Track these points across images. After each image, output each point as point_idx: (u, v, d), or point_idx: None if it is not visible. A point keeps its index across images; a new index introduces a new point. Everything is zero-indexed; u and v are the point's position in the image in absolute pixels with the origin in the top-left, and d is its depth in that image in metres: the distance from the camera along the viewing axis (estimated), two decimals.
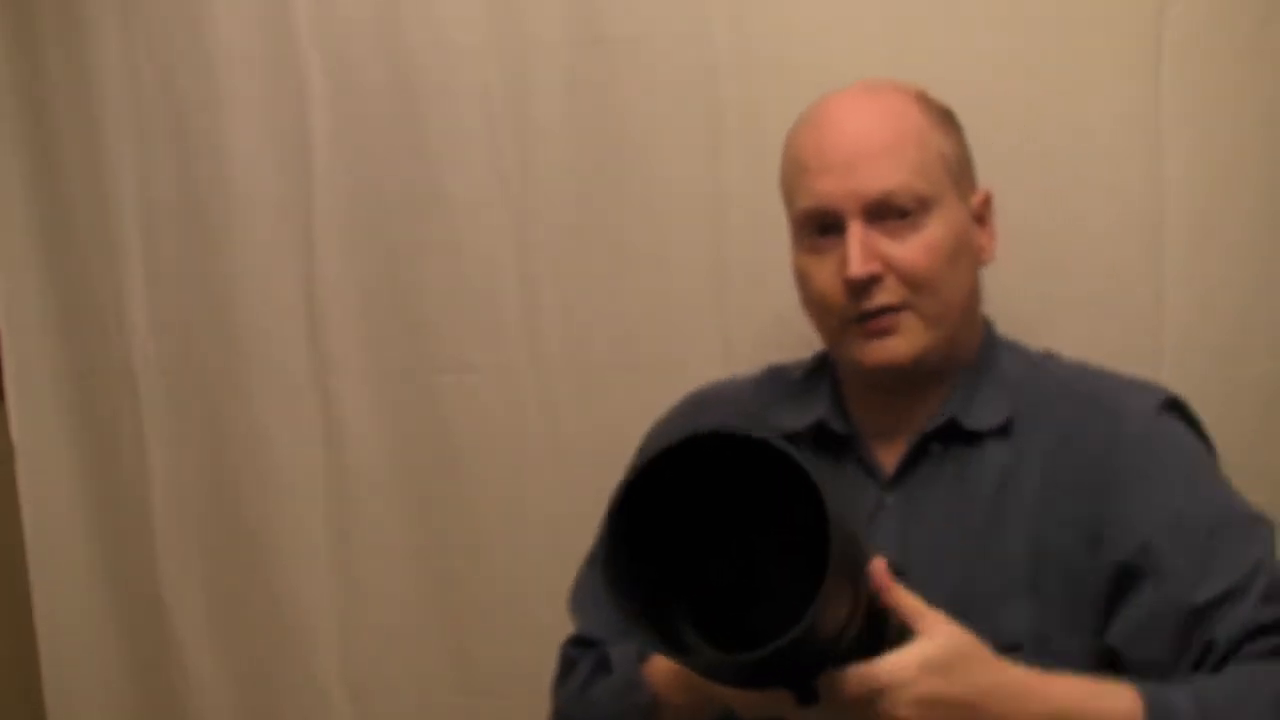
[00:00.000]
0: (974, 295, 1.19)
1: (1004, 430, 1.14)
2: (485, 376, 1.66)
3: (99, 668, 1.87)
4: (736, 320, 1.57)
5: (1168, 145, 1.42)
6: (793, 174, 1.18)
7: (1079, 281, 1.43)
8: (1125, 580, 1.07)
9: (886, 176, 1.11)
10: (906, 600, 0.93)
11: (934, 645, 0.92)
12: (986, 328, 1.23)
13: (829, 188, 1.13)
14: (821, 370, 1.25)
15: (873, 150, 1.12)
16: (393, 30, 1.65)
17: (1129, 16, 1.42)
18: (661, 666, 1.11)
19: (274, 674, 1.78)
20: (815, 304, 1.17)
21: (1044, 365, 1.21)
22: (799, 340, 1.50)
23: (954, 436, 1.16)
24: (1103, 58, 1.43)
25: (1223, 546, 1.05)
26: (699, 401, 1.33)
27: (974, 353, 1.20)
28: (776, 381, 1.29)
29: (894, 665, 0.90)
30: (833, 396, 1.22)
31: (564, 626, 1.62)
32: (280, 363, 1.73)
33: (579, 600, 1.30)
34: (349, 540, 1.74)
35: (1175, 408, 1.15)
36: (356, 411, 1.72)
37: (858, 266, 1.10)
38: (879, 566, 0.92)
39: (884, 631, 0.93)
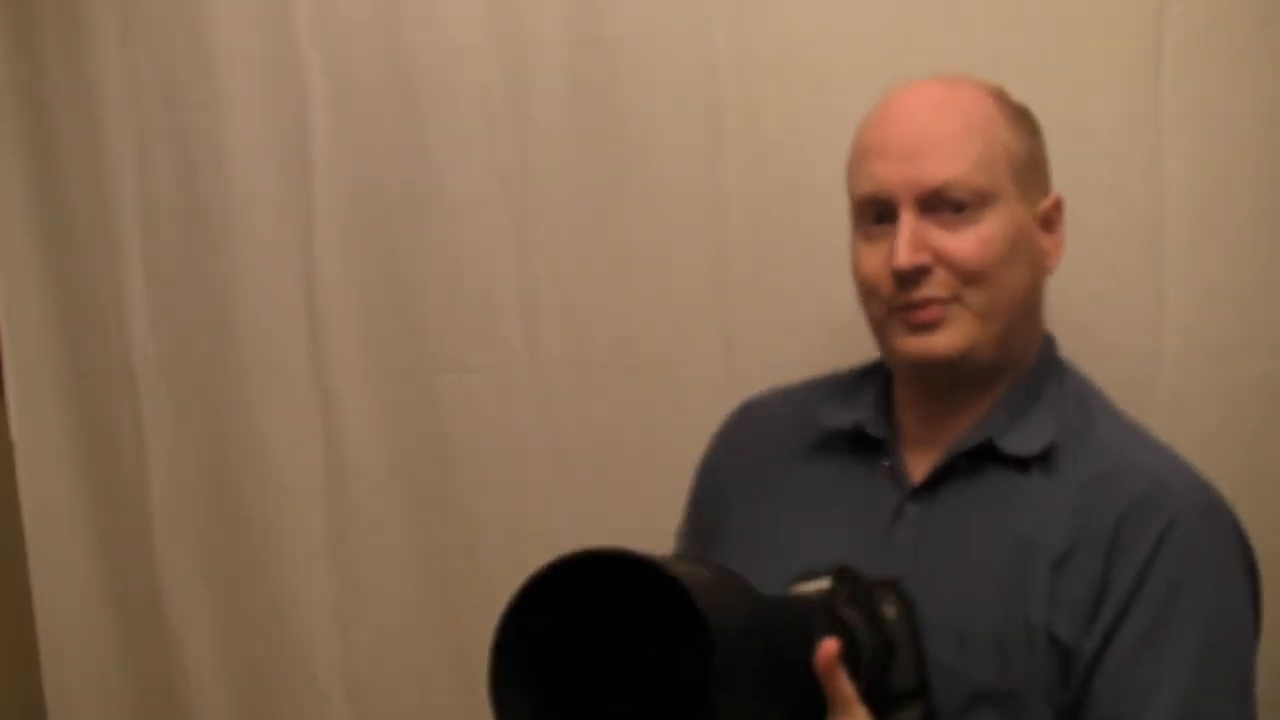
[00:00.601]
0: (1031, 300, 1.15)
1: (1044, 458, 1.10)
2: (485, 376, 1.66)
3: (99, 668, 1.87)
4: (736, 320, 1.57)
5: (1168, 145, 1.42)
6: (855, 159, 1.16)
7: (1079, 281, 1.43)
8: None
9: (945, 167, 1.09)
10: (843, 690, 0.93)
11: None
12: (1047, 343, 1.19)
13: (886, 174, 1.11)
14: (875, 371, 1.23)
15: (934, 140, 1.10)
16: (393, 30, 1.65)
17: (1129, 16, 1.42)
18: None
19: (273, 674, 1.78)
20: (863, 290, 1.15)
21: (1097, 402, 1.16)
22: (800, 340, 1.50)
23: (989, 457, 1.11)
24: (1103, 58, 1.43)
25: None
26: (747, 407, 1.32)
27: (1028, 367, 1.16)
28: (834, 382, 1.27)
29: None
30: (878, 398, 1.20)
31: None
32: (280, 363, 1.73)
33: None
34: (348, 540, 1.74)
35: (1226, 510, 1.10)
36: (356, 411, 1.72)
37: (905, 257, 1.08)
38: (828, 650, 0.92)
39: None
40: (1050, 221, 1.16)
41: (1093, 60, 1.43)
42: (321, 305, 1.71)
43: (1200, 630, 1.03)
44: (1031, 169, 1.15)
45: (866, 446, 1.18)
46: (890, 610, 1.04)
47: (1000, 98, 1.15)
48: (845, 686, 0.93)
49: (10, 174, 1.83)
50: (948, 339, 1.10)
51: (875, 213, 1.13)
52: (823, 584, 1.04)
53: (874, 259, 1.12)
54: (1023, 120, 1.16)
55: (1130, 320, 1.44)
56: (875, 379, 1.22)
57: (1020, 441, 1.11)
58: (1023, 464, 1.10)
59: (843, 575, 1.05)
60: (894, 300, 1.11)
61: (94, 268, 1.81)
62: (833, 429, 1.20)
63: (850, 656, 0.98)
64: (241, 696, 1.80)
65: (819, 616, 0.98)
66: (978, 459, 1.11)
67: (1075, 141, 1.42)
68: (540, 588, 0.88)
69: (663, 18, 1.55)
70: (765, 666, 0.86)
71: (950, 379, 1.13)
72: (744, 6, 1.52)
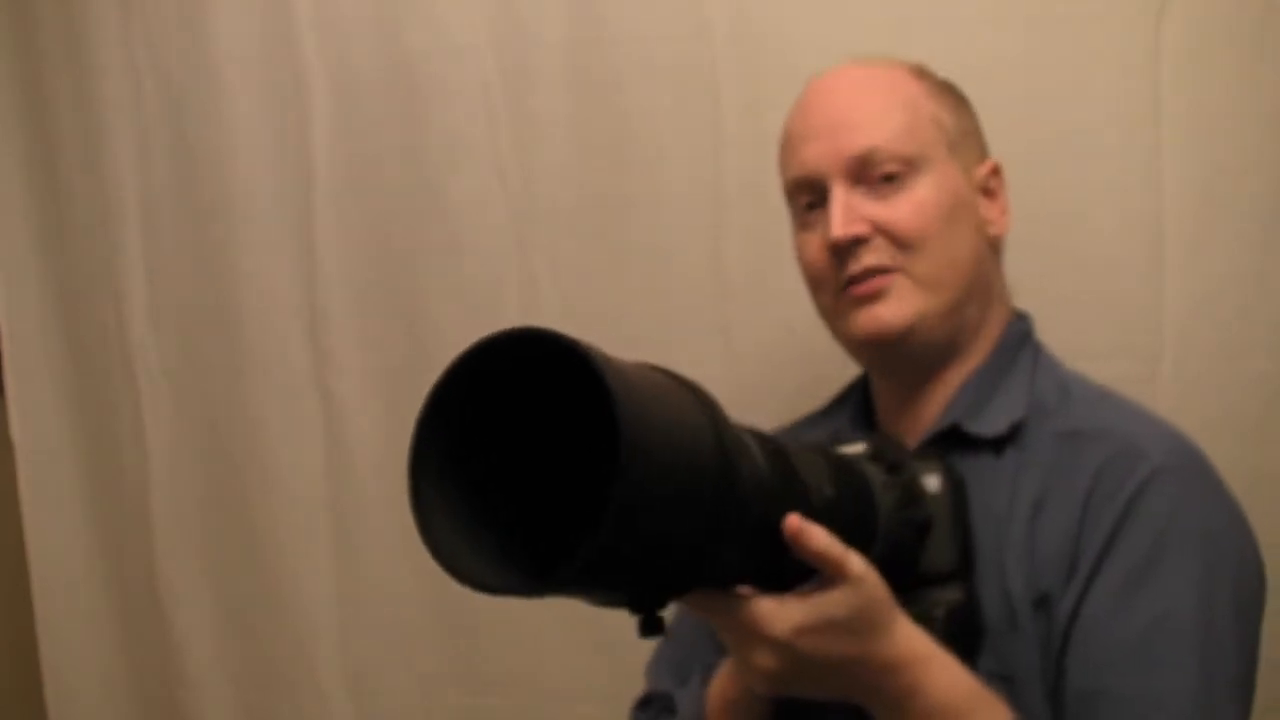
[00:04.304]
0: (979, 270, 1.11)
1: (1015, 437, 1.07)
2: None
3: (99, 668, 1.87)
4: (736, 320, 1.57)
5: (1167, 145, 1.42)
6: (781, 150, 1.16)
7: (1079, 280, 1.43)
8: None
9: (868, 134, 1.08)
10: (826, 548, 0.85)
11: (831, 602, 0.86)
12: (1017, 321, 1.16)
13: (810, 153, 1.10)
14: (855, 384, 1.22)
15: (854, 110, 1.10)
16: (393, 30, 1.65)
17: (1129, 16, 1.42)
18: (714, 691, 1.05)
19: (274, 673, 1.78)
20: (810, 281, 1.14)
21: (1076, 383, 1.12)
22: (800, 340, 1.50)
23: (959, 443, 1.07)
24: (1103, 58, 1.43)
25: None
26: None
27: (993, 344, 1.13)
28: (819, 409, 1.26)
29: (769, 613, 0.85)
30: (855, 408, 1.19)
31: (562, 625, 1.62)
32: (280, 362, 1.73)
33: (651, 663, 1.23)
34: (349, 539, 1.73)
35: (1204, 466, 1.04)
36: (356, 410, 1.72)
37: (839, 227, 1.06)
38: (791, 521, 0.84)
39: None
40: (990, 189, 1.14)
41: (1093, 60, 1.43)
42: (321, 305, 1.71)
43: (1200, 563, 0.97)
44: (962, 138, 1.13)
45: None
46: (932, 482, 0.99)
47: (922, 74, 1.14)
48: (831, 545, 0.85)
49: (10, 174, 1.83)
50: (893, 309, 1.08)
51: (808, 197, 1.12)
52: (858, 447, 1.00)
53: (813, 242, 1.11)
54: (948, 93, 1.15)
55: (1130, 320, 1.44)
56: (853, 391, 1.22)
57: (987, 422, 1.08)
58: (994, 445, 1.07)
59: (880, 440, 1.01)
60: (838, 279, 1.09)
61: (94, 268, 1.81)
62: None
63: (860, 519, 0.92)
64: (242, 696, 1.80)
65: (822, 466, 0.91)
66: (949, 445, 1.07)
67: (1075, 141, 1.43)
68: (470, 368, 0.78)
69: (663, 17, 1.55)
70: (706, 496, 0.77)
71: (909, 358, 1.10)
72: (744, 6, 1.53)
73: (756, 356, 1.55)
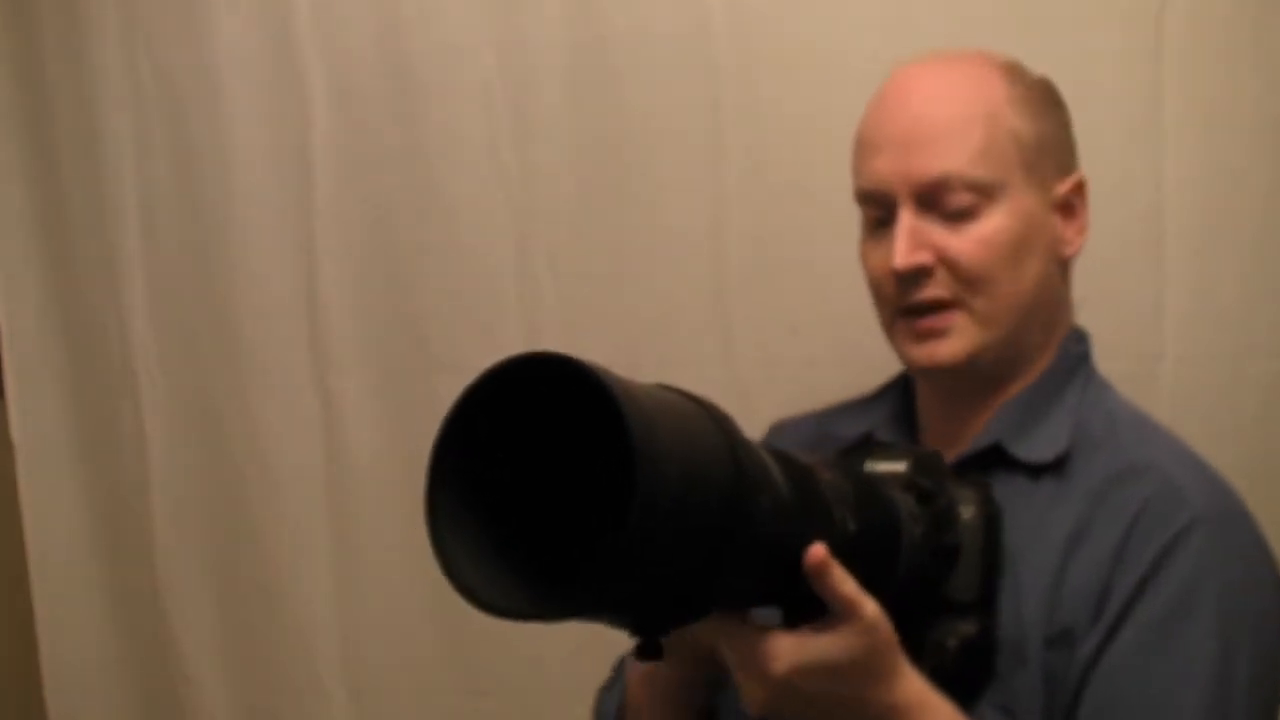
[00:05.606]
0: (1044, 293, 1.07)
1: (1057, 466, 1.03)
2: None
3: (99, 668, 1.87)
4: (736, 320, 1.57)
5: (1168, 145, 1.42)
6: (855, 150, 1.10)
7: (1079, 281, 1.42)
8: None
9: (942, 159, 1.03)
10: (843, 589, 0.83)
11: (838, 646, 0.84)
12: (1075, 340, 1.11)
13: (882, 168, 1.05)
14: (897, 381, 1.19)
15: (930, 129, 1.04)
16: (393, 30, 1.65)
17: (1129, 16, 1.42)
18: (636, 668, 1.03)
19: (274, 674, 1.78)
20: (872, 291, 1.11)
21: (1123, 410, 1.09)
22: (800, 340, 1.50)
23: (1000, 461, 1.05)
24: (1103, 58, 1.43)
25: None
26: (777, 427, 1.25)
27: (1048, 363, 1.09)
28: (860, 398, 1.22)
29: (771, 649, 0.84)
30: (896, 404, 1.16)
31: (561, 625, 1.62)
32: (280, 363, 1.73)
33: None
34: (349, 540, 1.74)
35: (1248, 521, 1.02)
36: (356, 411, 1.72)
37: (902, 258, 1.03)
38: (814, 554, 0.82)
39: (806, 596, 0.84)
40: (1070, 206, 1.08)
41: (1093, 60, 1.43)
42: (321, 305, 1.71)
43: (1218, 632, 0.95)
44: (1043, 153, 1.06)
45: None
46: (968, 512, 0.97)
47: (1011, 75, 1.07)
48: (846, 584, 0.83)
49: (10, 174, 1.83)
50: (951, 347, 1.05)
51: (877, 209, 1.08)
52: (897, 466, 0.98)
53: (878, 258, 1.08)
54: (1036, 100, 1.08)
55: (1131, 320, 1.44)
56: (896, 387, 1.19)
57: (1032, 447, 1.05)
58: (1034, 471, 1.04)
59: (922, 461, 0.98)
60: (898, 301, 1.07)
61: (94, 268, 1.81)
62: (847, 439, 1.15)
63: (881, 556, 0.91)
64: (242, 696, 1.80)
65: (848, 493, 0.89)
66: (989, 463, 1.05)
67: (1076, 142, 1.43)
68: (488, 390, 0.80)
69: (663, 18, 1.55)
70: (712, 521, 0.75)
71: (962, 380, 1.09)
72: (744, 6, 1.53)
73: (756, 357, 1.55)
